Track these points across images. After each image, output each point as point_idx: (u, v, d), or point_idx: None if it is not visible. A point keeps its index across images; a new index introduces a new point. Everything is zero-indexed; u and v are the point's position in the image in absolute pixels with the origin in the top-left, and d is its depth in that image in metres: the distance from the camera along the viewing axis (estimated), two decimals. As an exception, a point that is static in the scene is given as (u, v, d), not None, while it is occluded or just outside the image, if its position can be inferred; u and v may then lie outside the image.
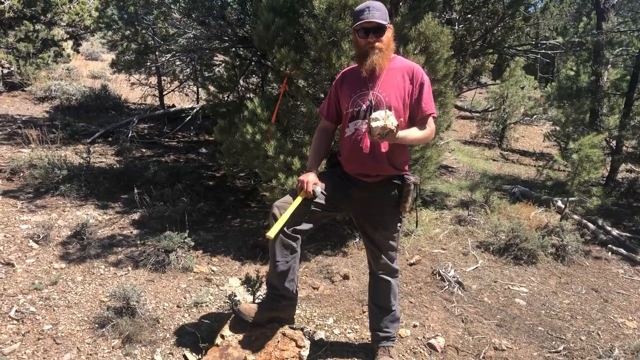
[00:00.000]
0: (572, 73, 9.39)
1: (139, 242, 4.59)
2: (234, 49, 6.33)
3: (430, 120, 2.95)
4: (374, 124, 2.57)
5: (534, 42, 10.29)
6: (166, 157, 7.24)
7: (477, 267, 4.91)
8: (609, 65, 8.27)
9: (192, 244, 4.39)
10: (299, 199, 2.91)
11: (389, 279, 3.15)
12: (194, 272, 4.18)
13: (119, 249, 4.47)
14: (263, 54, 6.10)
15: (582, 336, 3.86)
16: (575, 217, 6.08)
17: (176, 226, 4.67)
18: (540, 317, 4.11)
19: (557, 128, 10.26)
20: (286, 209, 2.87)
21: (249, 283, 3.41)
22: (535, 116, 12.37)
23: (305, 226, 2.96)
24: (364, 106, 2.93)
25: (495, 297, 4.39)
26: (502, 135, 11.95)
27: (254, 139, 4.28)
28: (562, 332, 3.90)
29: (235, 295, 3.50)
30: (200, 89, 9.32)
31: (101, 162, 6.66)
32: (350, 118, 2.96)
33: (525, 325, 3.94)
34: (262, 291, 3.55)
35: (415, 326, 3.74)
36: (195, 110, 8.12)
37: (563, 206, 6.50)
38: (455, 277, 4.51)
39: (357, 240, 5.10)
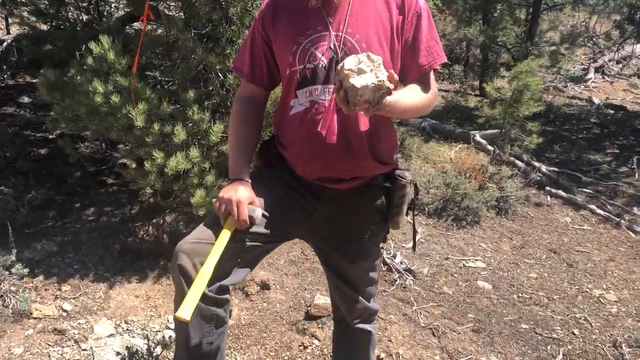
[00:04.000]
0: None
1: None
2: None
3: (432, 76, 1.83)
4: (358, 82, 1.42)
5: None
6: (-30, 114, 5.31)
7: (418, 240, 4.04)
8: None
9: (26, 270, 2.93)
10: (225, 235, 1.68)
11: (368, 327, 2.09)
12: (35, 319, 2.76)
13: None
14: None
15: (574, 329, 3.17)
16: (498, 152, 5.40)
17: (-5, 237, 3.14)
18: (516, 305, 3.36)
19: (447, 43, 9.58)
20: (204, 255, 1.63)
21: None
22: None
23: (237, 276, 1.76)
24: (324, 59, 1.72)
25: (455, 283, 3.55)
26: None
27: (108, 101, 2.82)
28: (549, 326, 3.18)
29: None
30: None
31: None
32: (300, 82, 1.75)
33: (506, 325, 3.15)
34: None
35: (380, 359, 2.76)
36: (5, 43, 6.08)
37: (483, 141, 5.84)
38: (404, 262, 3.58)
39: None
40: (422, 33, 1.75)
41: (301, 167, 1.81)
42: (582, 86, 9.94)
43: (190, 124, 3.06)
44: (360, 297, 2.00)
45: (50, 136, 4.84)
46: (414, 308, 3.20)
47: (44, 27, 5.39)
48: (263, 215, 1.75)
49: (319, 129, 1.68)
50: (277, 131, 1.89)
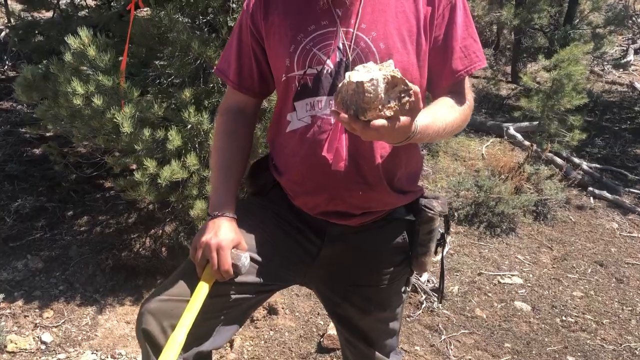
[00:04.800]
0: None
1: None
2: None
3: (468, 84, 1.44)
4: (364, 76, 1.10)
5: None
6: (-35, 110, 5.04)
7: (448, 252, 3.65)
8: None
9: (0, 296, 2.64)
10: (202, 288, 1.34)
11: (386, 386, 1.73)
12: (9, 353, 2.46)
13: None
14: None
15: (630, 363, 2.78)
16: (534, 147, 4.94)
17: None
18: (560, 332, 2.97)
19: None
20: (176, 316, 1.29)
21: None
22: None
23: (220, 337, 1.42)
24: (330, 64, 1.36)
25: (489, 304, 3.17)
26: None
27: (89, 103, 2.49)
28: (600, 358, 2.79)
29: None
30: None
31: None
32: (299, 92, 1.38)
33: (549, 357, 2.76)
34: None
35: (403, 403, 2.41)
36: (3, 33, 5.81)
37: (518, 135, 5.38)
38: (431, 281, 3.21)
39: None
40: (456, 29, 1.37)
41: (300, 199, 1.44)
42: (621, 70, 9.32)
43: (188, 127, 2.71)
44: (377, 354, 1.64)
45: (46, 135, 4.54)
46: (443, 337, 2.83)
47: (48, 15, 5.09)
48: (252, 259, 1.40)
49: (323, 153, 1.32)
50: (271, 150, 1.53)
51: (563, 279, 3.47)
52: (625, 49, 10.47)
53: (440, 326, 2.91)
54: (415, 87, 1.07)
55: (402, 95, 1.08)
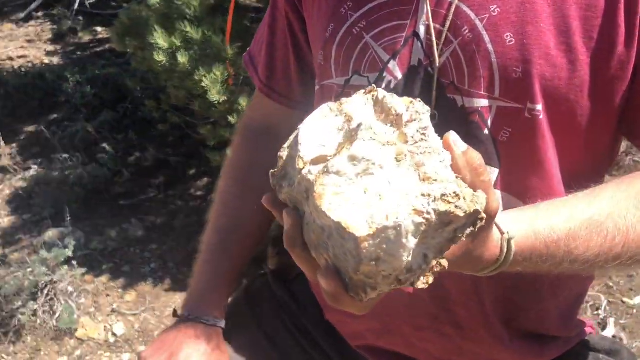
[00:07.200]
0: None
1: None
2: None
3: None
4: (363, 209, 0.39)
5: None
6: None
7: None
8: None
9: (82, 270, 2.39)
10: None
11: None
12: (77, 340, 2.22)
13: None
14: None
15: None
16: None
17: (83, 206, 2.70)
18: None
19: None
20: None
21: None
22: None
23: None
24: (395, 69, 0.63)
25: None
26: None
27: (175, 61, 2.04)
28: None
29: None
30: None
31: (22, 56, 4.55)
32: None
33: None
34: None
35: None
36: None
37: None
38: (619, 337, 2.33)
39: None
40: None
41: (335, 316, 0.80)
42: None
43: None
44: None
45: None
46: None
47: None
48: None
49: None
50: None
51: None
52: None
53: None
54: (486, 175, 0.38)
55: (459, 232, 0.39)
